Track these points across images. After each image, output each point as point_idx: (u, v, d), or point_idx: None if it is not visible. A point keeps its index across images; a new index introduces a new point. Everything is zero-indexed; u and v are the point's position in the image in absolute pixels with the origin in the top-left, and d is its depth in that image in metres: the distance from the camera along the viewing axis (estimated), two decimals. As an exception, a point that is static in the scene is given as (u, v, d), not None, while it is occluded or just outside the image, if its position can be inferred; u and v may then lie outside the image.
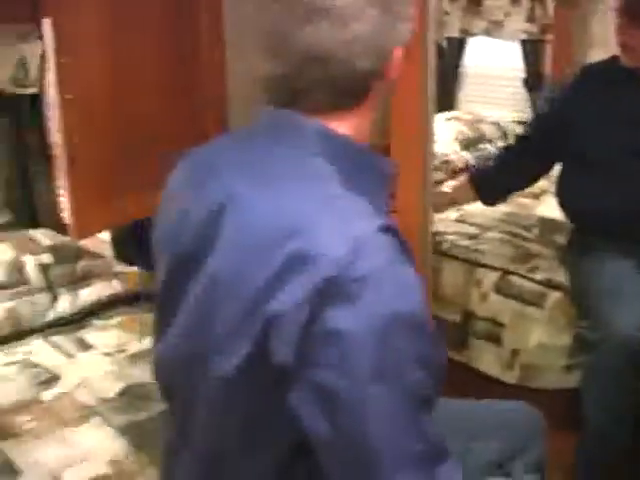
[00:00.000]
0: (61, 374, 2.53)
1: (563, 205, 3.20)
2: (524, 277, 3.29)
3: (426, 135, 2.73)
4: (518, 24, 4.83)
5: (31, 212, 3.55)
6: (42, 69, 3.19)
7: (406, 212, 2.75)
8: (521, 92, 5.00)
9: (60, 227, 3.47)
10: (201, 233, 1.30)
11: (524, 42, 4.91)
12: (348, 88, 1.29)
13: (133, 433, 2.22)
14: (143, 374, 2.50)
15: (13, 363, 2.61)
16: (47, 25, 2.67)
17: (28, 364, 2.60)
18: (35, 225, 3.49)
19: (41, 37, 2.96)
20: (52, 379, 2.51)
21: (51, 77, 3.15)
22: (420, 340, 1.17)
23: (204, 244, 1.29)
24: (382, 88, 1.33)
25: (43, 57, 3.15)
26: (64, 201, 3.46)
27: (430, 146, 2.77)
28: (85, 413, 2.32)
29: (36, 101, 3.39)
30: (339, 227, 1.17)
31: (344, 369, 1.14)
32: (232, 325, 1.22)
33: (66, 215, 3.44)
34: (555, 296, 3.19)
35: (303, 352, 1.15)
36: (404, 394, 1.16)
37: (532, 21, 4.80)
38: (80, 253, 3.04)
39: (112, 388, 2.44)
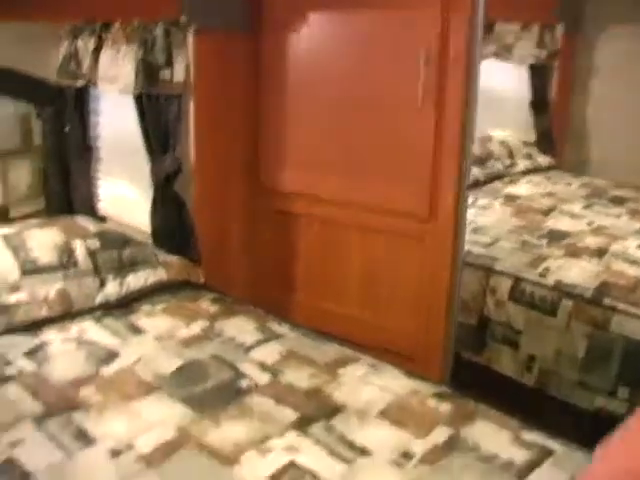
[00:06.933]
0: (118, 352, 2.63)
1: None
2: (536, 284, 3.43)
3: (465, 141, 2.91)
4: (527, 49, 5.00)
5: (67, 202, 3.64)
6: (93, 63, 3.30)
7: (444, 216, 2.93)
8: (527, 114, 5.18)
9: (95, 218, 3.58)
10: None
11: (532, 66, 5.09)
12: None
13: (194, 403, 2.34)
14: (195, 354, 2.63)
15: (69, 340, 2.71)
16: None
17: (84, 342, 2.70)
18: (69, 214, 3.58)
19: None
20: (110, 356, 2.61)
21: (100, 71, 3.27)
22: None
23: None
24: None
25: (96, 51, 3.27)
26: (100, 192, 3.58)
27: (469, 150, 2.95)
28: (146, 387, 2.43)
29: (82, 94, 3.50)
30: None
31: None
32: None
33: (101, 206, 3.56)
34: (567, 305, 3.34)
35: None
36: None
37: (541, 47, 4.98)
38: (126, 240, 3.16)
39: (169, 366, 2.55)
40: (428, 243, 3.12)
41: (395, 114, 3.13)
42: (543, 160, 5.22)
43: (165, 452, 2.11)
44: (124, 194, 3.64)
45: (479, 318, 3.53)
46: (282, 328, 2.84)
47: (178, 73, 3.10)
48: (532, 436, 2.23)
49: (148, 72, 3.10)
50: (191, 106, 3.19)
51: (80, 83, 3.39)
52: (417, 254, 3.15)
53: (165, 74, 3.10)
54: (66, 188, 3.62)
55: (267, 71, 3.45)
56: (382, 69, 3.15)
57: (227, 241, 3.37)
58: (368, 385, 2.47)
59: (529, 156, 5.16)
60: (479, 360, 3.50)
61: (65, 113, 3.57)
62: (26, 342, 2.69)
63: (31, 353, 2.62)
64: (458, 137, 2.94)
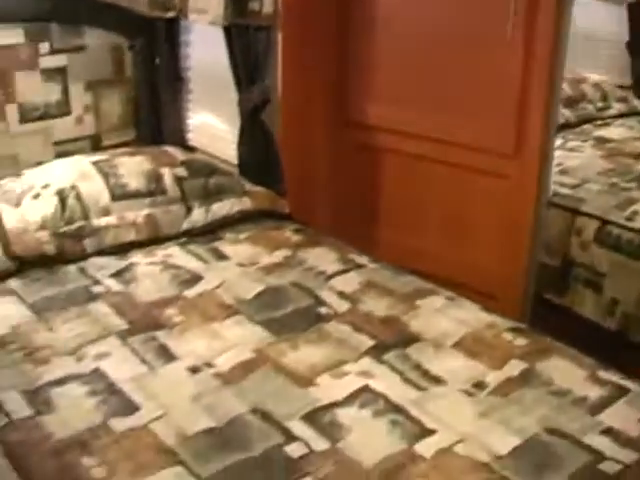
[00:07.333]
0: (202, 276, 2.71)
1: None
2: (623, 227, 3.37)
3: (555, 78, 2.86)
4: (626, -13, 4.85)
5: (157, 132, 3.71)
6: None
7: (529, 153, 2.90)
8: (624, 56, 5.03)
9: (184, 148, 3.65)
10: None
11: (630, 5, 4.93)
12: None
13: (272, 327, 2.41)
14: (276, 281, 2.69)
15: (154, 263, 2.79)
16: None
17: (169, 265, 2.78)
18: (159, 144, 3.65)
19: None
20: (194, 279, 2.68)
21: (190, 3, 3.31)
22: None
23: None
24: None
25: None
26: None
27: (558, 87, 2.90)
28: (227, 310, 2.50)
29: (173, 25, 3.55)
30: None
31: None
32: None
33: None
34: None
35: None
36: None
37: (641, -16, 4.82)
38: (212, 169, 3.23)
39: (250, 291, 2.61)
40: (513, 180, 3.09)
41: (484, 49, 3.09)
42: (639, 104, 5.08)
43: (243, 371, 2.18)
44: (213, 125, 3.70)
45: (563, 260, 3.50)
46: (362, 259, 2.87)
47: (267, 4, 3.12)
48: (608, 375, 2.21)
49: (237, 3, 3.12)
50: (279, 37, 3.20)
51: (171, 14, 3.43)
52: (501, 191, 3.13)
53: (254, 5, 3.12)
54: (156, 119, 3.70)
55: (357, 3, 3.43)
56: (472, 3, 3.10)
57: (311, 173, 3.41)
58: (445, 317, 2.48)
59: (624, 99, 5.03)
60: (561, 302, 3.48)
61: (156, 45, 3.62)
62: (114, 264, 2.79)
63: (118, 274, 2.72)
64: (547, 74, 2.89)
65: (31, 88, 3.37)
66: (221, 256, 2.86)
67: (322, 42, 3.40)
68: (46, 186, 2.95)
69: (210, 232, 3.03)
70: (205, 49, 3.60)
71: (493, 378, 2.18)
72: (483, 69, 3.08)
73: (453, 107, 3.22)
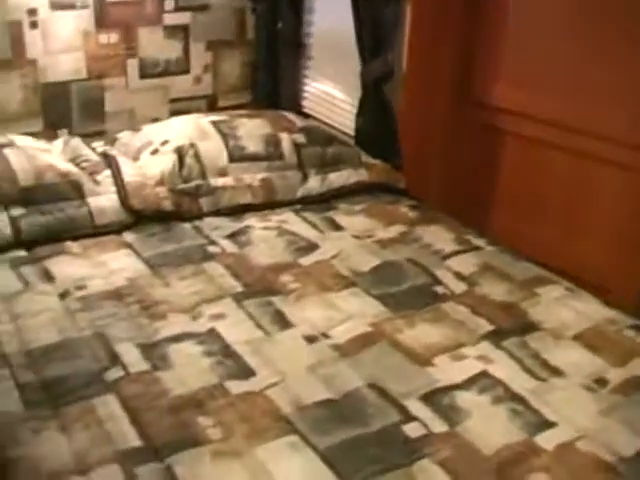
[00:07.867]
0: (317, 245, 2.68)
1: None
2: None
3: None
4: None
5: (272, 96, 3.69)
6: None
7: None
8: None
9: (299, 114, 3.62)
10: None
11: None
12: None
13: (389, 302, 2.36)
14: (392, 255, 2.64)
15: (269, 228, 2.78)
16: None
17: (284, 231, 2.76)
18: (274, 109, 3.63)
19: None
20: (309, 248, 2.66)
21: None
22: None
23: None
24: None
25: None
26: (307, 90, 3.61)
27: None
28: (343, 281, 2.46)
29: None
30: None
31: None
32: None
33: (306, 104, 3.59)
34: None
35: None
36: None
37: None
38: (330, 138, 3.19)
39: (366, 263, 2.57)
40: (641, 173, 2.97)
41: (617, 33, 2.96)
42: None
43: (359, 344, 2.14)
44: (330, 93, 3.66)
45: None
46: (479, 241, 2.80)
47: (397, -25, 3.05)
48: None
49: (367, -27, 3.06)
50: (408, 10, 3.13)
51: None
52: (628, 184, 3.00)
53: (384, -25, 3.06)
54: (273, 83, 3.69)
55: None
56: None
57: (428, 150, 3.34)
58: (565, 307, 2.41)
59: None
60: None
61: (279, 9, 3.60)
62: (229, 225, 2.79)
63: (233, 236, 2.72)
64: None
65: (153, 44, 3.40)
66: (336, 226, 2.83)
67: (451, 17, 3.31)
68: (165, 142, 2.96)
69: (325, 201, 3.00)
70: (329, 17, 3.55)
71: (615, 375, 2.09)
72: (622, 54, 2.95)
73: (584, 93, 3.09)
